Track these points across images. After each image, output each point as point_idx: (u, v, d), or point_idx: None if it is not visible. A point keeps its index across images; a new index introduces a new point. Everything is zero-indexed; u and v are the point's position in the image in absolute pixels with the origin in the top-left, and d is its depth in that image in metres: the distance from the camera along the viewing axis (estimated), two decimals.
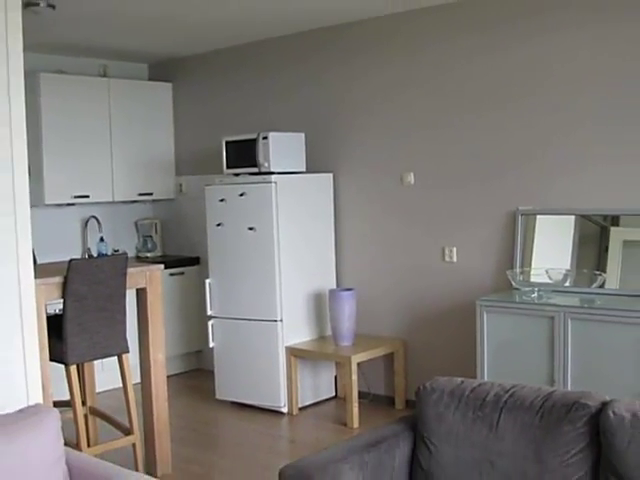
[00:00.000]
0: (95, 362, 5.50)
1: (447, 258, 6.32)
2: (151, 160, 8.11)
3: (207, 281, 6.92)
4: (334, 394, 7.05)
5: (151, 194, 8.16)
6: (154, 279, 5.27)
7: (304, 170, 6.82)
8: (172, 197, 8.38)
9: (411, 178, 6.48)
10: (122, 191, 7.87)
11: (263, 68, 7.47)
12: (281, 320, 6.53)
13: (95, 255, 7.67)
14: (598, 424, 3.09)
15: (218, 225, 6.77)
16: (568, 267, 5.58)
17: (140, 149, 8.00)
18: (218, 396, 6.95)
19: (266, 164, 6.52)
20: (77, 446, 4.76)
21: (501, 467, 3.28)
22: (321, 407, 6.80)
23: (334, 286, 6.95)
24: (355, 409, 6.19)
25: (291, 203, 6.55)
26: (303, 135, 6.85)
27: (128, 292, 5.09)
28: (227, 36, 7.23)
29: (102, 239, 7.75)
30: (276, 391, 6.58)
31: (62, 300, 4.76)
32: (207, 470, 5.46)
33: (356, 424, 6.18)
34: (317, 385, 6.90)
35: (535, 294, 5.38)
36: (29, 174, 3.90)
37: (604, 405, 3.14)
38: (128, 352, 5.14)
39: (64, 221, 7.72)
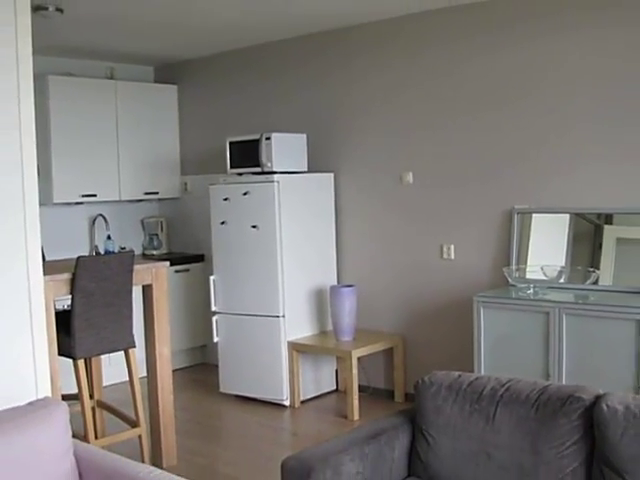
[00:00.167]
0: (102, 356, 5.49)
1: (445, 255, 6.32)
2: (157, 160, 8.11)
3: (211, 278, 6.92)
4: (335, 388, 7.05)
5: (157, 193, 8.16)
6: (160, 276, 5.27)
7: (306, 170, 6.82)
8: (177, 196, 8.38)
9: (410, 178, 6.48)
10: (129, 190, 7.87)
11: (266, 71, 7.47)
12: (283, 316, 6.53)
13: (102, 252, 7.67)
14: (592, 417, 3.10)
15: (222, 223, 6.77)
16: (563, 264, 5.58)
17: (146, 149, 8.00)
18: (222, 389, 6.96)
19: (269, 164, 6.52)
20: (85, 438, 4.76)
21: (497, 459, 3.28)
22: (322, 400, 6.80)
23: (335, 282, 6.94)
24: (355, 402, 6.20)
25: (293, 202, 6.55)
26: (305, 136, 6.85)
27: (134, 288, 5.09)
28: (230, 39, 7.22)
29: (109, 237, 7.75)
30: (279, 385, 6.58)
31: (70, 296, 4.76)
32: (211, 461, 5.46)
33: (356, 417, 6.19)
34: (318, 379, 6.90)
35: (531, 290, 5.38)
36: (38, 174, 3.89)
37: (598, 398, 3.14)
38: (134, 347, 5.14)
39: (72, 219, 7.72)
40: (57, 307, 4.88)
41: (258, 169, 6.61)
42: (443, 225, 6.32)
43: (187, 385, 7.37)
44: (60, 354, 4.70)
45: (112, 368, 6.29)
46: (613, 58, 5.35)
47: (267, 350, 6.60)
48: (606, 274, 5.41)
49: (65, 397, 4.69)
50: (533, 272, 5.61)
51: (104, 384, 5.85)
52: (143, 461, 5.04)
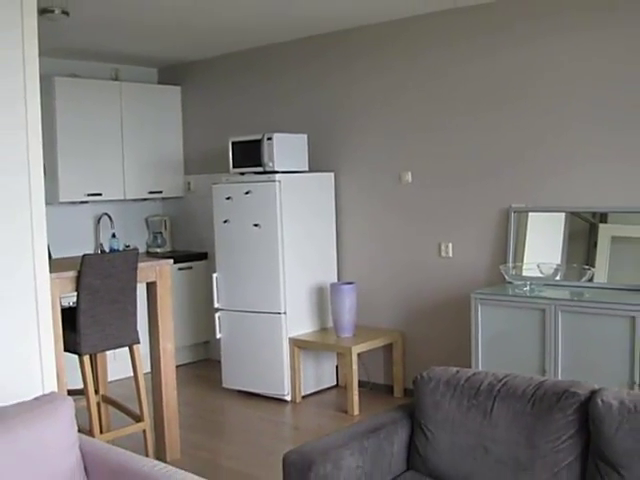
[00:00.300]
0: (107, 352, 5.49)
1: (443, 253, 6.31)
2: (161, 160, 8.11)
3: (214, 275, 6.92)
4: (335, 383, 7.05)
5: (161, 192, 8.16)
6: (164, 273, 5.27)
7: (307, 169, 6.81)
8: (181, 195, 8.38)
9: (409, 177, 6.48)
10: (133, 189, 7.87)
11: (267, 72, 7.47)
12: (285, 312, 6.53)
13: (107, 250, 7.68)
14: (587, 412, 3.10)
15: (225, 222, 6.77)
16: (559, 262, 5.58)
17: (150, 149, 8.00)
18: (225, 385, 6.96)
19: (270, 164, 6.52)
20: (90, 432, 4.76)
21: (495, 452, 3.28)
22: (323, 395, 6.81)
23: (335, 280, 6.94)
24: (355, 397, 6.20)
25: (294, 201, 6.55)
26: (306, 136, 6.85)
27: (139, 286, 5.09)
28: (233, 42, 7.22)
29: (114, 235, 7.76)
30: (280, 380, 6.59)
31: (76, 293, 4.76)
32: (214, 455, 5.47)
33: (356, 412, 6.19)
34: (319, 374, 6.90)
35: (527, 287, 5.38)
36: (44, 173, 3.90)
37: (593, 393, 3.14)
38: (139, 343, 5.14)
39: (78, 218, 7.72)
40: (63, 304, 4.88)
41: (260, 169, 6.60)
42: (441, 224, 6.32)
43: (190, 380, 7.37)
44: (66, 350, 4.70)
45: (117, 364, 6.29)
46: (610, 60, 5.35)
47: (269, 346, 6.60)
48: (601, 272, 5.41)
49: (71, 392, 4.69)
50: (529, 270, 5.61)
51: (109, 379, 5.85)
52: (147, 455, 5.04)
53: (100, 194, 7.56)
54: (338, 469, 3.23)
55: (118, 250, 7.58)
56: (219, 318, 6.91)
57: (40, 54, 3.78)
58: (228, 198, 6.71)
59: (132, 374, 5.19)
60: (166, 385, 5.29)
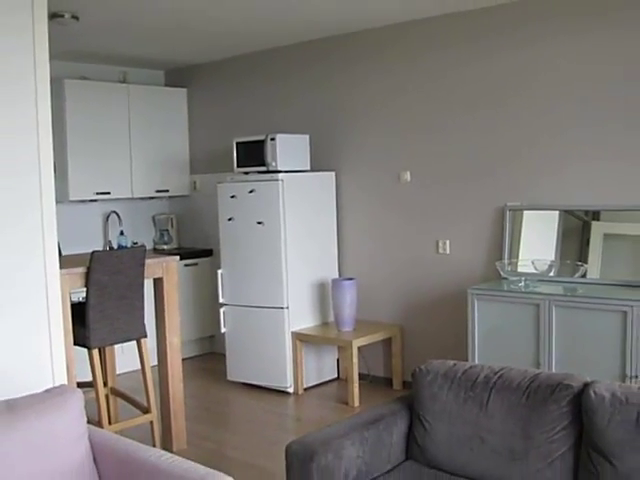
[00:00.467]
0: (115, 346, 5.50)
1: (441, 250, 6.31)
2: (167, 159, 8.11)
3: (219, 271, 6.92)
4: (336, 375, 7.05)
5: (167, 191, 8.16)
6: (170, 269, 5.27)
7: (308, 169, 6.81)
8: (187, 194, 8.38)
9: (408, 176, 6.48)
10: (140, 188, 7.87)
11: (271, 75, 7.46)
12: (287, 307, 6.53)
13: (116, 247, 7.67)
14: (580, 403, 3.10)
15: (229, 220, 6.77)
16: (553, 258, 5.58)
17: (157, 149, 8.00)
18: (229, 377, 6.96)
19: (273, 163, 6.52)
20: (99, 423, 4.77)
21: (491, 443, 3.28)
22: (324, 388, 6.80)
23: (336, 276, 6.94)
24: (356, 389, 6.20)
25: (297, 199, 6.55)
26: (308, 137, 6.84)
27: (146, 281, 5.09)
28: (237, 45, 7.22)
29: (122, 232, 7.75)
30: (283, 373, 6.59)
31: (85, 289, 4.76)
32: (219, 446, 5.47)
33: (357, 403, 6.19)
34: (321, 367, 6.90)
35: (522, 283, 5.37)
36: (55, 173, 3.90)
37: (586, 386, 3.14)
38: (146, 337, 5.15)
39: (87, 216, 7.73)
40: (73, 299, 4.88)
41: (263, 168, 6.60)
42: (439, 221, 6.31)
43: (196, 373, 7.37)
44: (75, 344, 4.71)
45: (125, 357, 6.30)
46: (602, 63, 5.34)
47: (272, 340, 6.60)
48: (594, 268, 5.41)
49: (80, 384, 4.71)
50: (524, 266, 5.60)
51: (117, 372, 5.85)
52: (154, 445, 5.05)
53: (109, 193, 7.56)
54: (339, 459, 3.24)
55: (126, 247, 7.57)
56: (224, 313, 6.91)
57: (50, 57, 3.80)
58: (232, 197, 6.71)
59: (140, 367, 5.20)
60: (172, 378, 5.29)
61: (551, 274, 5.51)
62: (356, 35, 6.71)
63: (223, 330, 6.94)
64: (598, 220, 5.47)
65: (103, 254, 4.86)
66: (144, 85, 8.00)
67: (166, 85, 8.48)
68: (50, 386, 3.53)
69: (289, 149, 6.62)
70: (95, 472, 3.14)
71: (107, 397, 5.42)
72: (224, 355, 7.08)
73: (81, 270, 4.72)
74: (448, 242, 6.27)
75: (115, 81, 7.87)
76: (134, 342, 5.13)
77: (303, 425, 5.83)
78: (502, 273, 5.60)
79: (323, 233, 6.85)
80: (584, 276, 5.41)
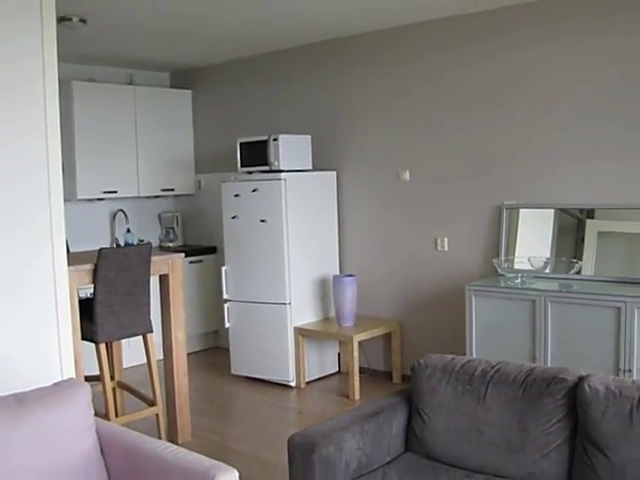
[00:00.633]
0: (122, 340, 5.49)
1: (439, 248, 6.31)
2: (173, 159, 8.10)
3: (223, 268, 6.91)
4: (337, 369, 7.05)
5: (173, 190, 8.16)
6: (175, 266, 5.27)
7: (310, 168, 6.80)
8: (192, 192, 8.38)
9: (407, 175, 6.47)
10: (147, 187, 7.87)
11: (273, 77, 7.46)
12: (290, 303, 6.53)
13: (122, 245, 7.68)
14: (575, 397, 3.10)
15: (233, 218, 6.77)
16: (548, 255, 5.58)
17: (163, 149, 7.99)
18: (233, 371, 6.96)
19: (276, 163, 6.51)
20: (106, 416, 4.77)
21: (488, 435, 3.28)
22: (326, 381, 6.80)
23: (337, 272, 6.94)
24: (356, 383, 6.20)
25: (299, 198, 6.54)
26: (309, 137, 6.84)
27: (152, 278, 5.09)
28: (241, 48, 7.21)
29: (129, 230, 7.75)
30: (285, 367, 6.59)
31: (93, 285, 4.76)
32: (223, 438, 5.47)
33: (357, 397, 6.19)
34: (322, 361, 6.90)
35: (518, 280, 5.37)
36: (63, 172, 3.90)
37: (580, 379, 3.15)
38: (152, 332, 5.15)
39: (94, 214, 7.73)
40: (80, 295, 4.88)
41: (266, 168, 6.60)
42: (437, 219, 6.31)
43: (201, 367, 7.37)
44: (83, 339, 4.71)
45: (131, 351, 6.29)
46: (596, 65, 5.34)
47: (274, 335, 6.60)
48: (588, 265, 5.41)
49: (88, 378, 4.71)
50: (521, 263, 5.60)
51: (124, 366, 5.85)
52: (160, 437, 5.05)
53: (115, 191, 7.56)
54: (340, 450, 3.24)
55: (132, 244, 7.58)
56: (228, 308, 6.91)
57: (59, 60, 3.79)
58: (236, 195, 6.71)
59: (146, 361, 5.20)
60: (178, 372, 5.29)
61: (547, 271, 5.51)
62: (356, 38, 6.70)
63: (227, 325, 6.94)
64: (592, 218, 5.46)
65: (110, 251, 4.86)
66: (150, 87, 7.99)
67: (171, 87, 8.47)
68: (59, 380, 3.52)
69: (291, 149, 6.62)
70: (102, 463, 3.15)
71: (114, 390, 5.42)
72: (228, 349, 7.08)
73: (89, 267, 4.72)
74: (446, 240, 6.26)
75: (122, 83, 7.87)
76: (140, 337, 5.13)
77: (305, 418, 5.83)
78: (499, 270, 5.60)
79: (324, 231, 6.85)
80: (579, 273, 5.41)
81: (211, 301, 8.02)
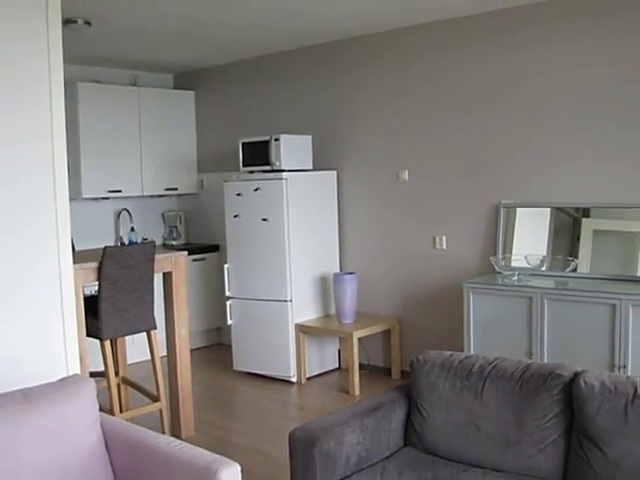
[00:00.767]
0: (126, 337, 5.49)
1: (437, 246, 6.31)
2: (176, 159, 8.10)
3: (226, 266, 6.92)
4: (337, 365, 7.05)
5: (176, 189, 8.16)
6: (179, 264, 5.27)
7: (311, 168, 6.80)
8: (195, 192, 8.38)
9: (406, 175, 6.47)
10: (150, 186, 7.87)
11: (275, 78, 7.45)
12: (291, 300, 6.53)
13: (127, 243, 7.67)
14: (571, 392, 3.10)
15: (235, 216, 6.77)
16: (544, 253, 5.58)
17: (166, 149, 7.99)
18: (235, 367, 6.96)
19: (278, 163, 6.51)
20: (110, 411, 4.78)
21: (485, 430, 3.28)
22: (326, 377, 6.80)
23: (338, 270, 6.94)
24: (356, 379, 6.20)
25: (300, 197, 6.54)
26: (310, 137, 6.83)
27: (156, 276, 5.09)
28: (243, 50, 7.21)
29: (133, 229, 7.75)
30: (286, 363, 6.59)
31: (97, 283, 4.76)
32: (226, 433, 5.47)
33: (357, 392, 6.19)
34: (323, 357, 6.90)
35: (515, 277, 5.37)
36: (68, 172, 3.90)
37: (576, 375, 3.14)
38: (156, 328, 5.15)
39: (99, 213, 7.73)
40: (85, 292, 4.88)
41: (268, 167, 6.60)
42: (436, 218, 6.31)
43: (203, 363, 7.37)
44: (88, 335, 4.71)
45: (135, 348, 6.30)
46: (591, 67, 5.34)
47: (276, 331, 6.60)
48: (584, 263, 5.40)
49: (93, 374, 4.71)
50: (517, 261, 5.59)
51: (128, 362, 5.85)
52: (163, 432, 5.06)
53: (120, 191, 7.56)
54: (340, 445, 3.24)
55: (136, 243, 7.57)
56: (230, 305, 6.91)
57: (64, 61, 3.80)
58: (238, 194, 6.71)
59: (149, 357, 5.20)
60: (181, 367, 5.29)
61: (543, 268, 5.51)
62: (356, 40, 6.70)
63: (229, 322, 6.94)
64: (588, 217, 5.46)
65: (115, 249, 4.86)
66: (154, 88, 7.99)
67: (175, 88, 8.47)
68: (64, 375, 3.53)
69: (293, 149, 6.61)
70: (107, 458, 3.15)
71: (118, 386, 5.42)
72: (230, 346, 7.08)
73: (94, 265, 4.72)
74: (444, 238, 6.26)
75: (126, 84, 7.87)
76: (144, 333, 5.13)
77: (306, 413, 5.84)
78: (496, 267, 5.60)
79: (325, 229, 6.85)
80: (575, 270, 5.40)
81: (214, 298, 8.02)
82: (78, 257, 4.60)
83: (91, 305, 4.77)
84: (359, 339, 6.29)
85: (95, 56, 7.17)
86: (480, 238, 6.03)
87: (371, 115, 6.68)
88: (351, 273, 6.61)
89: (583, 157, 5.43)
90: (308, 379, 6.66)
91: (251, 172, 6.80)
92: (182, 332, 5.28)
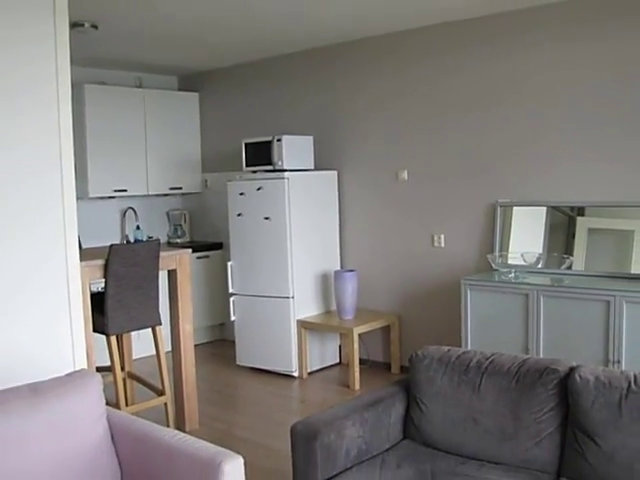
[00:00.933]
0: (132, 333, 5.50)
1: (436, 244, 6.30)
2: (180, 159, 8.10)
3: (229, 263, 6.91)
4: (338, 361, 7.05)
5: (180, 188, 8.16)
6: (183, 262, 5.27)
7: (312, 168, 6.80)
8: (199, 191, 8.37)
9: (405, 175, 6.47)
10: (155, 186, 7.87)
11: (277, 80, 7.45)
12: (293, 297, 6.53)
13: (132, 241, 7.67)
14: (566, 386, 3.10)
15: (238, 215, 6.76)
16: (540, 251, 5.57)
17: (171, 150, 7.99)
18: (238, 362, 6.96)
19: (280, 163, 6.51)
20: (116, 405, 4.77)
21: (483, 423, 3.28)
22: (327, 372, 6.80)
23: (338, 267, 6.94)
24: (356, 373, 6.20)
25: (301, 196, 6.54)
26: (312, 138, 6.83)
27: (161, 273, 5.09)
28: (246, 52, 7.20)
29: (138, 227, 7.75)
30: (288, 358, 6.59)
31: (104, 280, 4.76)
32: (229, 426, 5.47)
33: (357, 386, 6.19)
34: (324, 353, 6.90)
35: (512, 274, 5.37)
36: (75, 171, 3.90)
37: (571, 370, 3.14)
38: (161, 324, 5.15)
39: (105, 212, 7.73)
40: (92, 289, 4.88)
41: (270, 167, 6.60)
42: (434, 217, 6.31)
43: (207, 358, 7.38)
44: (95, 331, 4.71)
45: (141, 343, 6.30)
46: (586, 69, 5.33)
47: (278, 327, 6.60)
48: (579, 260, 5.40)
49: (99, 369, 4.73)
50: (514, 258, 5.59)
51: (134, 357, 5.87)
52: (168, 425, 5.06)
53: (126, 190, 7.56)
54: (341, 438, 3.24)
55: (142, 241, 7.57)
56: (233, 302, 6.91)
57: (71, 64, 3.80)
58: (241, 194, 6.71)
59: (155, 352, 5.21)
60: (185, 362, 5.29)
61: (539, 266, 5.50)
62: (356, 43, 6.69)
63: (233, 318, 6.94)
64: (583, 215, 5.46)
65: (121, 247, 4.86)
66: (158, 90, 7.99)
67: (179, 90, 8.47)
68: (71, 370, 3.53)
69: (294, 149, 6.61)
70: (113, 450, 3.15)
71: (124, 381, 5.43)
72: (233, 341, 7.08)
73: (100, 262, 4.72)
74: (443, 236, 6.26)
75: (132, 86, 7.87)
76: (149, 329, 5.14)
77: (307, 407, 5.84)
78: (493, 265, 5.59)
79: (326, 228, 6.84)
80: (570, 268, 5.40)
81: (217, 295, 8.02)
82: (85, 255, 4.60)
83: (98, 302, 4.77)
84: (359, 335, 6.29)
85: (101, 59, 7.17)
86: (478, 236, 6.03)
87: (371, 116, 6.68)
88: (351, 270, 6.61)
89: (578, 158, 5.43)
90: (309, 374, 6.67)
91: (254, 172, 6.80)
92: (186, 328, 5.28)
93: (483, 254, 5.89)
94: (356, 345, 6.19)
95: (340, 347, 7.07)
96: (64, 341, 3.81)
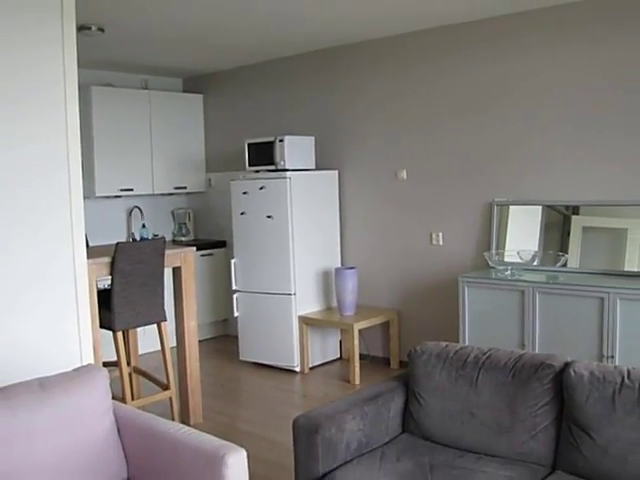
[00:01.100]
0: (138, 329, 5.49)
1: (434, 242, 6.30)
2: (185, 159, 8.10)
3: (232, 261, 6.91)
4: (339, 356, 7.05)
5: (185, 188, 8.15)
6: (188, 259, 5.27)
7: (314, 168, 6.79)
8: (203, 190, 8.37)
9: (404, 174, 6.46)
10: (161, 185, 7.86)
11: (279, 82, 7.45)
12: (294, 293, 6.52)
13: (138, 239, 7.67)
14: (561, 381, 3.10)
15: (242, 214, 6.76)
16: (536, 249, 5.57)
17: (176, 150, 7.99)
18: (241, 357, 6.96)
19: (282, 162, 6.51)
20: (123, 399, 4.78)
21: (480, 417, 3.28)
22: (328, 367, 6.80)
23: (339, 265, 6.94)
24: (357, 368, 6.19)
25: (303, 195, 6.54)
26: (313, 138, 6.83)
27: (166, 270, 5.10)
28: (249, 55, 7.20)
29: (144, 225, 7.75)
30: (290, 353, 6.59)
31: (110, 277, 4.76)
32: (233, 420, 5.47)
33: (357, 381, 6.18)
34: (325, 348, 6.90)
35: (508, 272, 5.36)
36: (83, 171, 3.90)
37: (566, 365, 3.14)
38: (166, 320, 5.14)
39: (112, 210, 7.72)
40: (99, 286, 4.88)
41: (272, 167, 6.59)
42: (433, 215, 6.30)
43: (211, 354, 7.38)
44: (101, 327, 4.71)
45: (146, 339, 6.30)
46: (581, 71, 5.33)
47: (280, 323, 6.60)
48: (573, 258, 5.40)
49: (106, 364, 4.72)
50: (510, 256, 5.59)
51: (139, 353, 5.86)
52: (173, 419, 5.06)
53: (132, 189, 7.55)
54: (341, 431, 3.24)
55: (147, 239, 7.57)
56: (236, 299, 6.91)
57: (78, 66, 3.80)
58: (244, 193, 6.71)
59: (160, 348, 5.20)
60: (190, 358, 5.29)
61: (535, 263, 5.50)
62: (357, 46, 6.69)
63: (236, 314, 6.94)
64: (578, 214, 5.45)
65: (127, 245, 4.86)
66: (164, 91, 7.98)
67: (184, 91, 8.46)
68: (78, 365, 3.53)
69: (296, 149, 6.61)
70: (119, 444, 3.15)
71: (130, 375, 5.42)
72: (237, 337, 7.08)
73: (107, 260, 4.72)
74: (441, 234, 6.26)
75: (137, 88, 7.86)
76: (155, 325, 5.14)
77: (309, 401, 5.83)
78: (490, 262, 5.59)
79: (327, 226, 6.84)
80: (565, 265, 5.40)
81: (221, 292, 8.02)
82: (92, 252, 4.60)
83: (104, 298, 4.76)
84: (359, 331, 6.29)
85: (108, 61, 7.16)
86: (475, 234, 6.02)
87: (371, 117, 6.68)
88: (352, 268, 6.61)
89: (573, 157, 5.42)
90: (311, 369, 6.66)
91: (256, 171, 6.79)
92: (191, 324, 5.28)
93: (480, 252, 5.88)
94: (356, 341, 6.18)
95: (341, 343, 7.07)
96: (71, 337, 3.82)
